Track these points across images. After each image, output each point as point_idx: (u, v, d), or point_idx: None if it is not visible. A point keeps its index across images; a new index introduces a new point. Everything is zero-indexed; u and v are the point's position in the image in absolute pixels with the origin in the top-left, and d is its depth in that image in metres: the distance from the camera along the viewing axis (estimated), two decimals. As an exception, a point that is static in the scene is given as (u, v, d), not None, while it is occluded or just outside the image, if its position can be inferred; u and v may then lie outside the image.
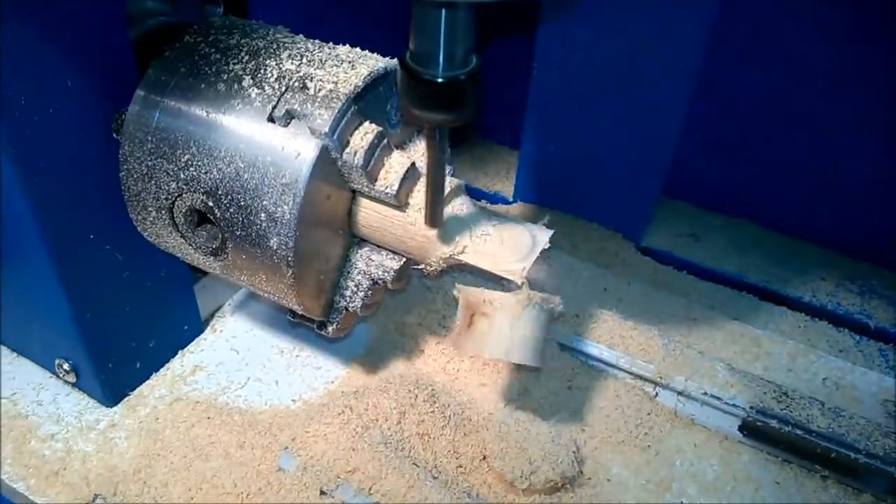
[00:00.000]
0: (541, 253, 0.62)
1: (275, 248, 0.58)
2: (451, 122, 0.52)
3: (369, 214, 0.63)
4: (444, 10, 0.47)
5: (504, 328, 0.60)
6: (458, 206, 0.62)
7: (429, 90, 0.50)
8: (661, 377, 0.75)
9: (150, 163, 0.61)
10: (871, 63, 0.84)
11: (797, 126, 0.92)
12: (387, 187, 0.59)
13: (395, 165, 0.59)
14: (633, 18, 0.82)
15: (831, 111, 0.89)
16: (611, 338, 0.78)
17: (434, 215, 0.59)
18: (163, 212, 0.62)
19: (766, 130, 0.94)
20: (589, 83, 0.89)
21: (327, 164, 0.58)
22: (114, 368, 0.71)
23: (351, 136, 0.58)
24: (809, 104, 0.90)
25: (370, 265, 0.65)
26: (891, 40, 0.82)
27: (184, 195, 0.60)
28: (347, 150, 0.58)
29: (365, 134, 0.58)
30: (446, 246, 0.61)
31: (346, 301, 0.66)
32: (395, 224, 0.62)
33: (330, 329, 0.67)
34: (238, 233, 0.59)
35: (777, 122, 0.93)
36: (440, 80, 0.49)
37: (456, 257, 0.62)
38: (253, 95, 0.58)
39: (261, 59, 0.60)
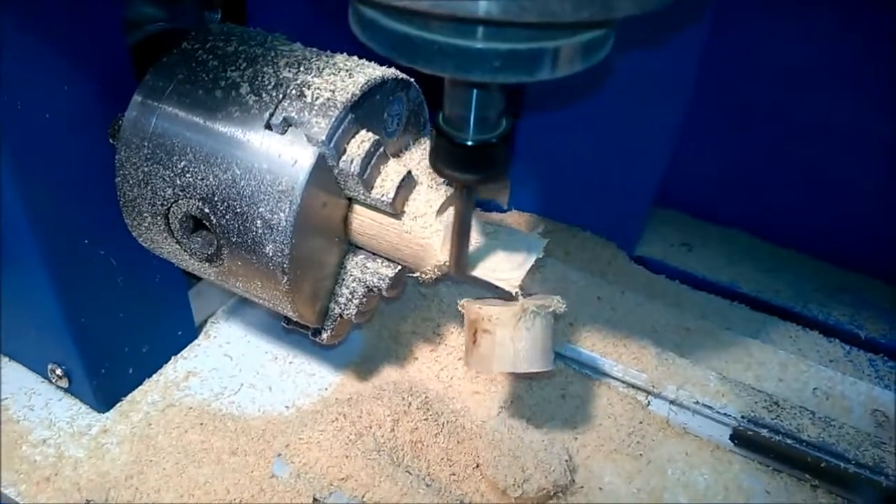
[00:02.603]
0: (535, 262, 0.63)
1: (270, 254, 0.58)
2: (480, 182, 0.53)
3: (365, 222, 0.63)
4: (475, 89, 0.48)
5: (506, 343, 0.60)
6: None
7: (459, 152, 0.51)
8: (653, 386, 0.75)
9: (146, 168, 0.61)
10: (866, 74, 0.85)
11: (790, 137, 0.92)
12: (383, 195, 0.59)
13: (391, 174, 0.60)
14: (628, 32, 0.83)
15: (825, 122, 0.90)
16: (604, 346, 0.79)
17: (459, 264, 0.60)
18: (158, 218, 0.62)
19: (760, 141, 0.95)
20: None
21: (324, 172, 0.58)
22: (106, 374, 0.71)
23: (348, 144, 0.58)
24: (803, 115, 0.90)
25: (365, 272, 0.65)
26: (889, 53, 0.83)
27: (180, 201, 0.60)
28: (344, 157, 0.58)
29: (361, 142, 0.58)
30: (441, 254, 0.61)
31: (340, 308, 0.66)
32: (391, 232, 0.62)
33: (324, 336, 0.67)
34: (234, 239, 0.59)
35: (770, 133, 0.94)
36: (470, 143, 0.50)
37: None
38: (250, 102, 0.59)
39: (258, 66, 0.60)
